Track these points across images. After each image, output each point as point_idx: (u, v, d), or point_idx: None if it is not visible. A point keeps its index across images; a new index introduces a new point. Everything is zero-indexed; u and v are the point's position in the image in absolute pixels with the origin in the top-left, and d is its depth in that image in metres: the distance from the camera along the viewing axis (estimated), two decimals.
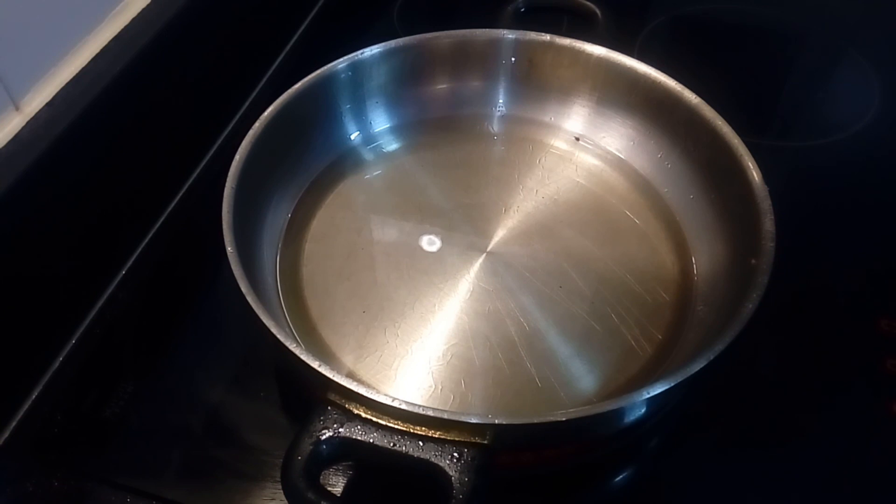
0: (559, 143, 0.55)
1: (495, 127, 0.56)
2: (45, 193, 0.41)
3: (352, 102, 0.53)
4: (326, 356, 0.43)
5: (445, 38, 0.54)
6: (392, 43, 0.52)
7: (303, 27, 0.66)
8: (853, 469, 0.41)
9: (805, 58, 0.68)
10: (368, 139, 0.55)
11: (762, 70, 0.66)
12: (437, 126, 0.56)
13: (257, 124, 0.46)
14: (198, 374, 0.46)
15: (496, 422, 0.34)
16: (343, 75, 0.51)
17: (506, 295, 0.45)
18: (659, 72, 0.50)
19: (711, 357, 0.35)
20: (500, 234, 0.49)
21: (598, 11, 0.57)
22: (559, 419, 0.34)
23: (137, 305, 0.48)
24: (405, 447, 0.34)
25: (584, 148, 0.54)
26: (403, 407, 0.34)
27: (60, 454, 0.42)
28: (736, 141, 0.45)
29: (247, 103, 0.58)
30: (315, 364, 0.35)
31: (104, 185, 0.46)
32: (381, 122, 0.55)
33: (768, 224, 0.41)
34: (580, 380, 0.42)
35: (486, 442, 0.34)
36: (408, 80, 0.54)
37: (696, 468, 0.42)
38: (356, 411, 0.34)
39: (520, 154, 0.54)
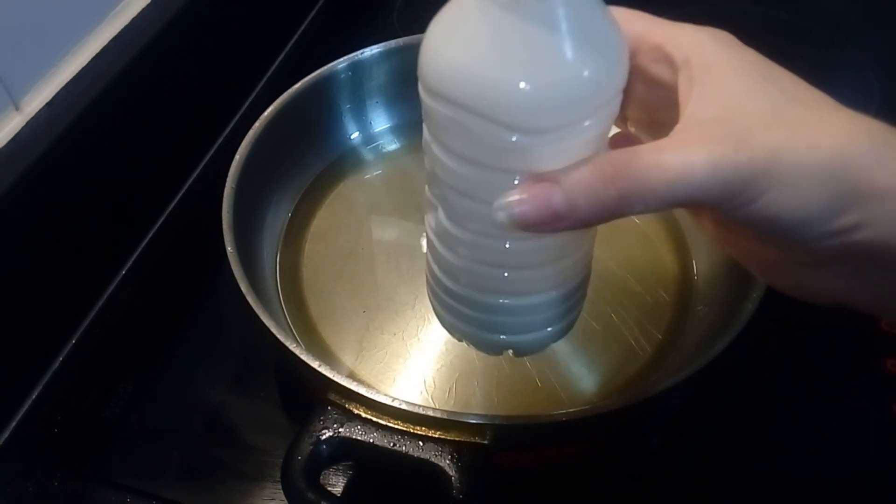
0: None
1: None
2: (45, 193, 0.41)
3: (352, 102, 0.53)
4: (326, 356, 0.43)
5: None
6: (392, 43, 0.52)
7: (303, 27, 0.65)
8: (854, 469, 0.41)
9: (805, 57, 0.68)
10: (368, 139, 0.55)
11: None
12: None
13: (257, 124, 0.46)
14: (198, 374, 0.46)
15: (496, 422, 0.34)
16: (343, 75, 0.51)
17: None
18: None
19: (711, 357, 0.35)
20: None
21: None
22: (559, 419, 0.34)
23: (137, 305, 0.48)
24: (405, 447, 0.34)
25: None
26: (403, 407, 0.34)
27: (60, 454, 0.42)
28: None
29: (247, 103, 0.58)
30: (315, 364, 0.35)
31: (104, 185, 0.46)
32: (381, 122, 0.55)
33: None
34: (580, 380, 0.42)
35: (485, 442, 0.34)
36: (408, 80, 0.54)
37: (696, 468, 0.42)
38: (356, 411, 0.34)
39: None
